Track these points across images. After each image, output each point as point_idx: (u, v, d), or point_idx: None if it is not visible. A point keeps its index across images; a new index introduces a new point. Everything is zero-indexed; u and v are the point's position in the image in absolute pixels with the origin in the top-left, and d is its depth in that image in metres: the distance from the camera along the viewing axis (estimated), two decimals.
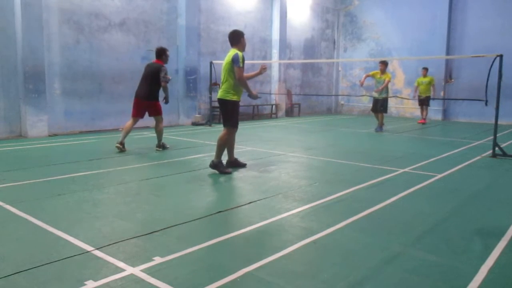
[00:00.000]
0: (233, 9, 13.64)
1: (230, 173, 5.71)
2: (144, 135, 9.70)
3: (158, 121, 7.53)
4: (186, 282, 2.56)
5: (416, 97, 13.77)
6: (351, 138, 10.07)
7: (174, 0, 11.74)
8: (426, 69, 13.67)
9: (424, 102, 13.68)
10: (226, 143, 5.85)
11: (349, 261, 2.92)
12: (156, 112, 7.50)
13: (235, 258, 2.94)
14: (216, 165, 5.70)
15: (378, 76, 11.05)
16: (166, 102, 7.67)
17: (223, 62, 5.90)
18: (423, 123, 13.60)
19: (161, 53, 7.44)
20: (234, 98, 5.77)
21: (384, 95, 11.10)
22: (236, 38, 5.85)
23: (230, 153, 6.09)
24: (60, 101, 9.52)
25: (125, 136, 7.24)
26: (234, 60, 5.61)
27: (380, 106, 11.14)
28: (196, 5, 12.20)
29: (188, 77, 12.09)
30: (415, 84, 13.92)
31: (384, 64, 11.07)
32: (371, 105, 18.11)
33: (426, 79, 13.48)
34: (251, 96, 6.02)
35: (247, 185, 5.16)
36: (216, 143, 5.80)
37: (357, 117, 16.47)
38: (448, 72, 15.43)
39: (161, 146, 7.59)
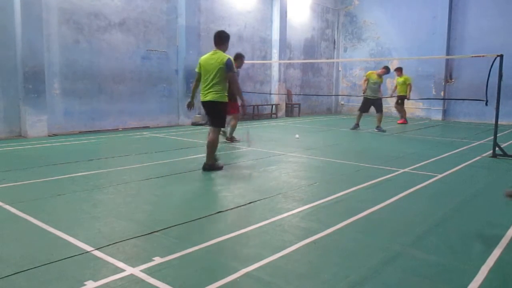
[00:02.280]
0: (233, 9, 13.64)
1: (223, 166, 5.92)
2: (144, 135, 9.70)
3: (232, 118, 8.27)
4: (186, 282, 2.56)
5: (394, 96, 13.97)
6: (351, 138, 10.07)
7: (174, 0, 11.74)
8: (399, 69, 13.63)
9: (399, 100, 13.74)
10: (217, 145, 5.91)
11: (349, 261, 2.92)
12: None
13: (235, 258, 2.93)
14: (211, 165, 5.80)
15: (375, 77, 11.12)
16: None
17: (204, 62, 5.79)
18: (403, 123, 13.66)
19: (236, 58, 7.91)
20: (226, 99, 5.85)
21: (378, 96, 11.23)
22: (225, 40, 5.89)
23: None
24: (60, 101, 9.51)
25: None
26: (230, 67, 5.65)
27: (379, 106, 11.28)
28: (196, 5, 12.19)
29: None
30: (395, 84, 14.02)
31: (387, 70, 11.29)
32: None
33: (401, 79, 13.45)
34: (244, 106, 6.16)
35: (247, 185, 5.16)
36: (207, 147, 5.81)
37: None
38: (448, 72, 15.43)
39: (230, 139, 8.50)
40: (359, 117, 11.61)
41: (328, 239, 3.34)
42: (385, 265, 2.88)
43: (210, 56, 5.80)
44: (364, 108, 11.49)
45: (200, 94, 5.87)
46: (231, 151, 7.60)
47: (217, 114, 5.84)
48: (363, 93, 11.30)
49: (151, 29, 11.24)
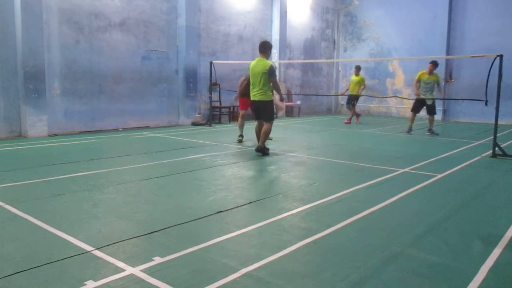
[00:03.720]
0: (233, 9, 13.64)
1: (268, 154, 7.12)
2: (144, 135, 9.70)
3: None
4: (186, 282, 2.56)
5: (345, 95, 13.90)
6: (351, 138, 10.07)
7: (174, 0, 11.74)
8: (358, 67, 13.59)
9: (352, 100, 13.63)
10: (270, 132, 7.26)
11: (349, 261, 2.92)
12: None
13: (235, 258, 2.94)
14: (262, 148, 7.07)
15: (426, 77, 10.38)
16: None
17: (251, 67, 7.11)
18: (348, 123, 13.57)
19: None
20: (271, 97, 7.20)
21: (433, 96, 10.51)
22: (268, 48, 7.18)
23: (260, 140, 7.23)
24: (60, 101, 9.52)
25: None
26: (272, 73, 6.95)
27: (432, 108, 10.61)
28: (196, 5, 12.19)
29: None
30: (348, 83, 13.95)
31: (434, 64, 10.42)
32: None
33: (357, 78, 13.35)
34: (281, 98, 7.62)
35: (247, 185, 5.16)
36: (262, 134, 7.11)
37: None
38: (448, 72, 15.44)
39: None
40: (413, 119, 10.84)
41: (328, 239, 3.35)
42: (385, 265, 2.88)
43: (256, 63, 7.11)
44: (416, 108, 10.72)
45: (250, 94, 7.26)
46: (232, 151, 7.60)
47: (265, 111, 7.16)
48: (417, 96, 10.55)
49: (151, 29, 11.24)
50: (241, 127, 8.89)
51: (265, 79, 6.95)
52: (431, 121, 10.75)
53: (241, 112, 8.95)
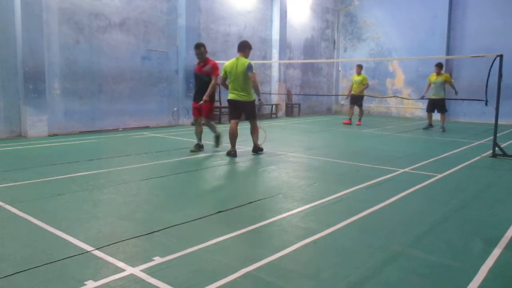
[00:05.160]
0: (233, 9, 13.64)
1: (263, 150, 7.35)
2: (144, 135, 9.70)
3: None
4: (186, 282, 2.56)
5: (349, 96, 13.40)
6: (351, 138, 10.07)
7: (174, 0, 11.74)
8: (359, 66, 13.16)
9: (357, 102, 13.19)
10: (258, 130, 7.26)
11: (349, 261, 2.92)
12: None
13: (235, 258, 2.93)
14: (258, 148, 7.31)
15: (434, 78, 11.46)
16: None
17: (229, 68, 6.95)
18: (359, 124, 13.07)
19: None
20: (253, 98, 7.14)
21: (442, 96, 11.51)
22: (245, 47, 7.02)
23: (234, 145, 7.12)
24: (60, 101, 9.51)
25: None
26: (250, 68, 6.80)
27: (441, 107, 11.64)
28: (196, 5, 12.19)
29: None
30: (350, 82, 13.55)
31: (439, 66, 11.45)
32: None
33: (359, 78, 12.96)
34: (259, 97, 7.20)
35: (247, 185, 5.16)
36: (253, 134, 7.21)
37: (356, 117, 16.43)
38: (448, 72, 15.41)
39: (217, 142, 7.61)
40: (430, 117, 11.96)
41: (328, 239, 3.35)
42: (385, 265, 2.88)
43: (234, 62, 6.95)
44: (429, 108, 11.83)
45: (229, 93, 7.10)
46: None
47: (251, 110, 7.16)
48: (423, 97, 11.83)
49: (151, 29, 11.24)
50: (199, 134, 7.64)
51: (246, 77, 6.84)
52: (442, 119, 11.70)
53: (194, 118, 7.75)
